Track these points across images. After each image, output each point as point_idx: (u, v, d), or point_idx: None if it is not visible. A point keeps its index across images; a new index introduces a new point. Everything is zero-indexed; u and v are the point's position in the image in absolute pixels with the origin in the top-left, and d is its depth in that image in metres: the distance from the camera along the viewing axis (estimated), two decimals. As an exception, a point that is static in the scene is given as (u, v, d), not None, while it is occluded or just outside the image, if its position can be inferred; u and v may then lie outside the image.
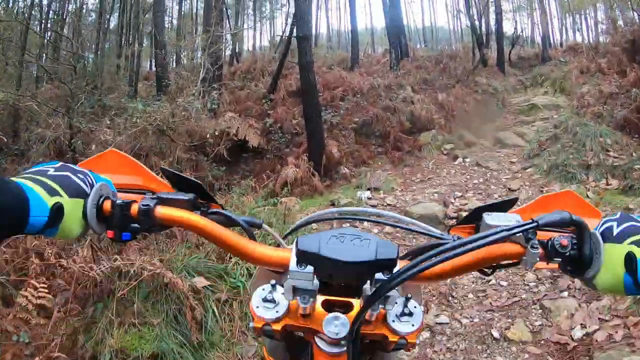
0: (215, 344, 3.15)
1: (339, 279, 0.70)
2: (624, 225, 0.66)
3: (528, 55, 22.60)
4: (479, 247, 0.65)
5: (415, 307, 0.72)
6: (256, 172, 8.46)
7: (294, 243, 0.68)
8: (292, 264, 0.67)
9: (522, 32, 27.24)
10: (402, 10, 20.52)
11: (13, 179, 0.64)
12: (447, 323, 3.70)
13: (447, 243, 0.66)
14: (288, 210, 4.89)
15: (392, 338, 0.71)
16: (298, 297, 0.67)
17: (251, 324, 0.72)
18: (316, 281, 0.67)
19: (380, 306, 0.67)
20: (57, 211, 0.65)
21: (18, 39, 9.15)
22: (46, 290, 2.69)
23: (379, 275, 0.65)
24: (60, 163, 0.74)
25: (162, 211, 0.74)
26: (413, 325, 0.70)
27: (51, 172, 0.70)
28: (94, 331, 2.90)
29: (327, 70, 14.53)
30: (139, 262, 2.99)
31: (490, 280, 4.23)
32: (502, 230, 0.65)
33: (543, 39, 23.05)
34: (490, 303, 3.92)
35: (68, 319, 2.86)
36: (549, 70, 18.15)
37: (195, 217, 0.75)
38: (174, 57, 16.28)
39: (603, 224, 0.69)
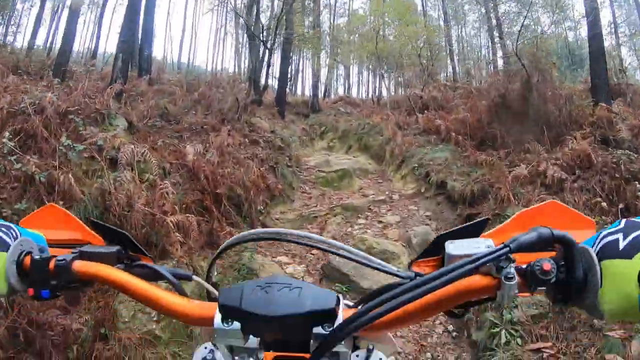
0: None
1: (271, 335, 0.58)
2: (633, 236, 0.50)
3: (295, 101, 18.72)
4: (439, 286, 0.51)
5: (380, 359, 0.60)
6: None
7: (219, 295, 0.57)
8: (217, 321, 0.57)
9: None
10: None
11: None
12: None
13: (405, 282, 0.58)
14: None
15: None
16: (237, 358, 0.59)
17: None
18: (254, 338, 0.58)
19: None
20: None
21: None
22: None
23: (317, 330, 0.54)
24: None
25: (80, 266, 0.66)
26: None
27: None
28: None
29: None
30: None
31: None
32: (465, 264, 0.51)
33: (314, 88, 19.82)
34: None
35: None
36: (331, 121, 13.84)
37: (114, 272, 0.65)
38: None
39: (603, 237, 0.52)
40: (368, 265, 0.68)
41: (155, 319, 2.88)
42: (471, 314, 3.64)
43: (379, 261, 0.68)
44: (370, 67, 24.39)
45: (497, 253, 0.51)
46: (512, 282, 0.52)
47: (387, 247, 4.52)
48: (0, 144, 3.43)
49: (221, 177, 5.01)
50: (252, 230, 0.74)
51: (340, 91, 27.50)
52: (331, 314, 0.53)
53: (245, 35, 15.95)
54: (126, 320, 2.84)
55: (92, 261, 0.67)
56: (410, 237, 4.85)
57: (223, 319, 0.56)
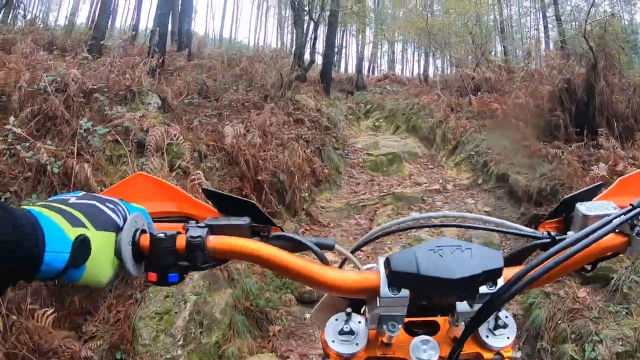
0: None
1: (437, 300, 0.56)
2: None
3: (339, 78, 17.83)
4: (592, 242, 0.50)
5: (507, 317, 0.58)
6: None
7: (383, 263, 0.52)
8: (383, 289, 0.51)
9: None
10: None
11: (24, 207, 0.45)
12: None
13: (545, 242, 0.62)
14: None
15: (487, 355, 0.57)
16: (384, 326, 0.52)
17: None
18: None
19: None
20: (82, 245, 0.45)
21: None
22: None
23: (483, 289, 0.50)
24: (84, 192, 0.54)
25: (215, 242, 0.54)
26: (508, 337, 0.57)
27: (72, 200, 0.51)
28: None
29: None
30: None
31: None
32: (606, 223, 0.51)
33: (358, 64, 18.81)
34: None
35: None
36: (377, 99, 12.97)
37: (257, 245, 0.55)
38: None
39: None
40: (504, 232, 0.68)
41: (180, 342, 2.34)
42: (546, 343, 3.03)
43: (513, 224, 0.68)
44: (416, 44, 23.14)
45: (633, 212, 0.53)
46: None
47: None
48: (6, 131, 2.92)
49: (263, 162, 4.42)
50: (396, 220, 0.72)
51: (385, 69, 26.41)
52: (498, 273, 0.49)
53: (289, 9, 15.22)
54: (147, 342, 2.32)
55: (224, 235, 0.56)
56: (470, 238, 4.13)
57: (390, 286, 0.50)
